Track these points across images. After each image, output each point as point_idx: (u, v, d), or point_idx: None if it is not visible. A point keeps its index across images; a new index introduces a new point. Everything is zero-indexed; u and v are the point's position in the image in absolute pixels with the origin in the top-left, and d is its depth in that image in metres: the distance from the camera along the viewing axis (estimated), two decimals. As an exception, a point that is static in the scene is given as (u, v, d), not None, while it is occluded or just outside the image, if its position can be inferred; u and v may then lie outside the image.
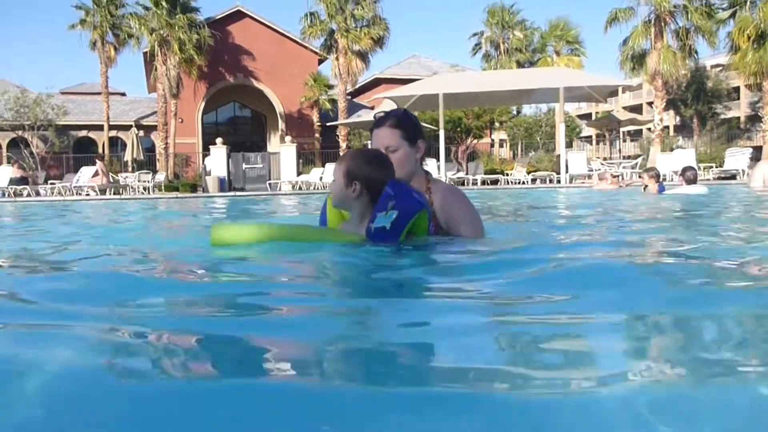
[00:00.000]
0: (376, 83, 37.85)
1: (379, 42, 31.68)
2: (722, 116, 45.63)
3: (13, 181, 20.21)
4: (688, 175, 9.31)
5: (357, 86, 37.28)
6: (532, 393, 1.03)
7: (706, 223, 4.84)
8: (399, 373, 1.17)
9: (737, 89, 49.44)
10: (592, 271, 2.14)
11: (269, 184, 24.32)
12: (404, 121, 2.76)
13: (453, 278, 2.18)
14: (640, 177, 9.69)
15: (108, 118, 33.20)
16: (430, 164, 19.52)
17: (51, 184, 21.76)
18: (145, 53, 31.24)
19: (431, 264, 2.45)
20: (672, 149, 26.93)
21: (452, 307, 1.70)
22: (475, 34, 37.49)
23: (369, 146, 2.86)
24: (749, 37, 24.60)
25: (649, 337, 1.41)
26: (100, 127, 34.41)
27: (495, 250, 2.67)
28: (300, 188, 22.48)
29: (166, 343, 1.36)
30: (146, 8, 29.89)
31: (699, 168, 18.72)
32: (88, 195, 19.76)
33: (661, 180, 10.22)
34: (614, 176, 15.70)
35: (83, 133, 36.26)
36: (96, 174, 20.67)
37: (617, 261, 2.46)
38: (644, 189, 9.84)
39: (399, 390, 1.04)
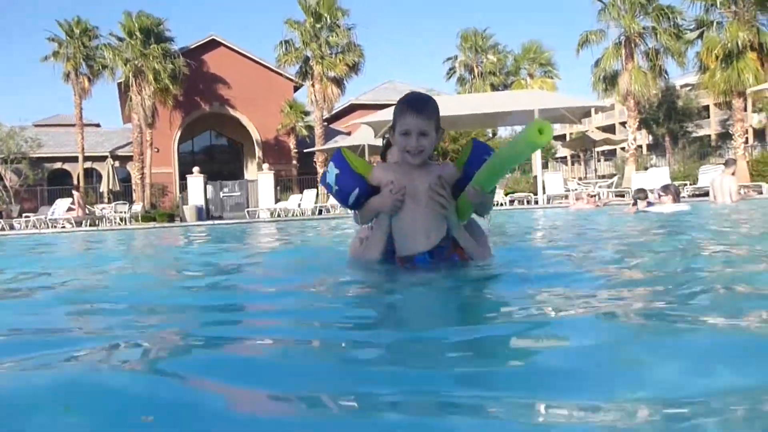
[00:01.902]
0: (352, 109, 37.95)
1: (354, 68, 31.85)
2: (693, 134, 46.45)
3: (-14, 215, 19.88)
4: (672, 191, 9.45)
5: (333, 112, 37.39)
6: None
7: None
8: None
9: (707, 108, 50.43)
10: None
11: (248, 211, 24.22)
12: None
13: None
14: (659, 195, 9.85)
15: (83, 149, 32.91)
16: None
17: (26, 217, 21.43)
18: (119, 84, 31.10)
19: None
20: (646, 168, 27.32)
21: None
22: (449, 59, 37.95)
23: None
24: (717, 57, 25.11)
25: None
26: (74, 159, 34.06)
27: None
28: (279, 215, 22.37)
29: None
30: (120, 39, 29.81)
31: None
32: (63, 227, 19.48)
33: (644, 197, 10.36)
34: (591, 196, 15.86)
35: (58, 165, 35.85)
36: (73, 204, 20.42)
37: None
38: (632, 206, 9.98)
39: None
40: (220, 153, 38.14)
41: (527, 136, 2.34)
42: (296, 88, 34.99)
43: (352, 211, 3.04)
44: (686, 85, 46.44)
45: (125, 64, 29.09)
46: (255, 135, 34.42)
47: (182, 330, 1.92)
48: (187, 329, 1.94)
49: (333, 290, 2.82)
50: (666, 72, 29.44)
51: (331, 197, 2.93)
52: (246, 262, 4.88)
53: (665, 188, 9.82)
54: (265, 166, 27.15)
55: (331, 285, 2.93)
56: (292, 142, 33.83)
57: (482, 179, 2.70)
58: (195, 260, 5.88)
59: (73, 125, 34.19)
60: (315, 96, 31.61)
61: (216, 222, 21.58)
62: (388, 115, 20.61)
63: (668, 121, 43.67)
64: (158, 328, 2.00)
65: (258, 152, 34.30)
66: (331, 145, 29.83)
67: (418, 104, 2.77)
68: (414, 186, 2.80)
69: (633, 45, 27.90)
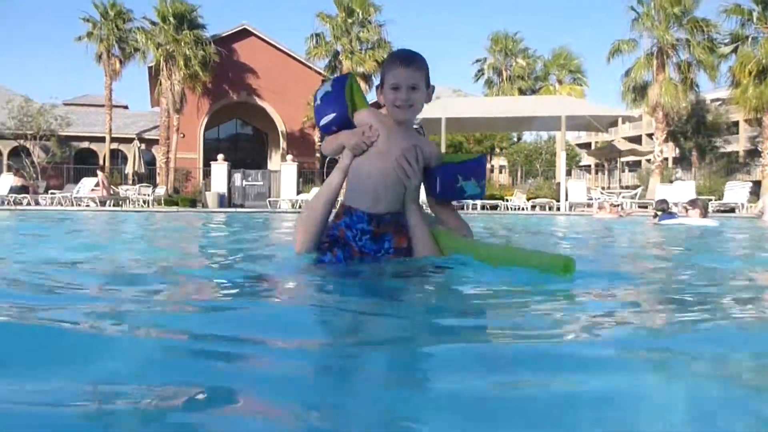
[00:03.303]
0: (378, 105, 37.86)
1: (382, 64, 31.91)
2: (721, 150, 45.89)
3: (14, 190, 20.23)
4: (700, 206, 9.38)
5: (360, 108, 37.51)
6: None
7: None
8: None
9: (737, 123, 49.75)
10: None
11: (269, 201, 24.36)
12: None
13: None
14: (685, 209, 9.81)
15: (110, 130, 33.27)
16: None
17: (51, 193, 21.76)
18: (150, 67, 31.42)
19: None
20: (671, 181, 27.09)
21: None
22: (477, 60, 37.81)
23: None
24: (750, 73, 24.84)
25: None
26: (101, 139, 34.48)
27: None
28: (299, 207, 22.49)
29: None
30: (153, 23, 30.13)
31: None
32: (87, 206, 19.76)
33: (668, 210, 10.30)
34: (614, 206, 15.78)
35: (84, 144, 36.29)
36: (97, 185, 20.69)
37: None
38: (654, 218, 9.92)
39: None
40: (244, 142, 38.41)
41: (548, 266, 2.32)
42: (324, 82, 35.08)
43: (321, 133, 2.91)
44: (717, 99, 45.87)
45: (157, 49, 29.40)
46: (280, 126, 34.59)
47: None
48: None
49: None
50: (697, 85, 29.15)
51: None
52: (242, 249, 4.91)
53: (693, 202, 9.73)
54: (289, 157, 27.28)
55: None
56: (316, 135, 33.95)
57: (460, 249, 2.65)
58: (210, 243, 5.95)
59: (102, 106, 34.59)
60: (342, 90, 31.64)
61: (237, 210, 21.76)
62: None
63: (696, 135, 43.19)
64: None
65: (282, 143, 34.47)
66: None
67: (407, 57, 2.70)
68: (388, 141, 2.69)
69: (665, 56, 27.65)
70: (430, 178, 2.78)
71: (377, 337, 1.64)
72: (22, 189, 20.68)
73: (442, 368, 1.31)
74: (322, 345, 1.57)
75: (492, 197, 24.73)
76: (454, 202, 2.99)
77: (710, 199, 20.52)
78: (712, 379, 1.25)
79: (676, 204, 13.24)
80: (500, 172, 57.32)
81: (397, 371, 1.32)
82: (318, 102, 2.86)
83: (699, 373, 1.29)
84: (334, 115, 2.78)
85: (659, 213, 10.19)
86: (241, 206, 24.62)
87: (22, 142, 32.76)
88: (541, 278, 2.33)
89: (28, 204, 19.73)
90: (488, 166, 41.03)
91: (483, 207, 22.09)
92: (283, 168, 26.09)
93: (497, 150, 37.08)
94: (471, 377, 1.22)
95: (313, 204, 2.83)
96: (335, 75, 32.47)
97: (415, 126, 3.10)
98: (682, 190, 19.49)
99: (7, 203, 19.56)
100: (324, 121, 2.80)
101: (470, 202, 22.22)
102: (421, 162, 2.70)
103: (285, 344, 1.52)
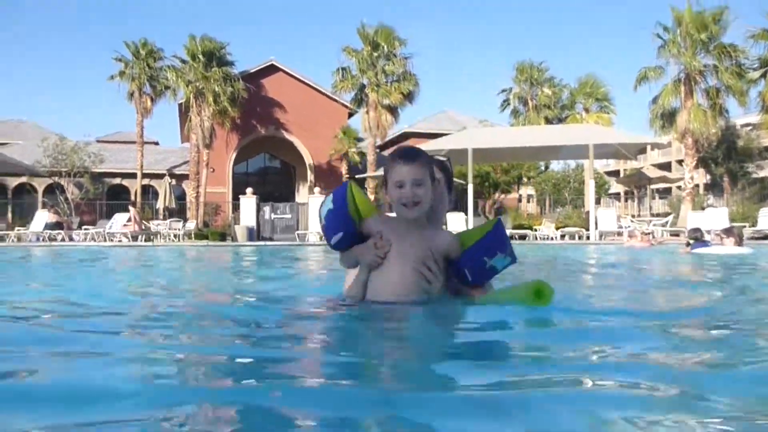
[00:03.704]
0: (405, 137, 38.26)
1: (408, 97, 32.16)
2: (754, 175, 45.09)
3: (49, 226, 20.63)
4: (735, 233, 9.21)
5: (386, 140, 37.78)
6: None
7: None
8: None
9: (769, 149, 48.92)
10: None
11: (297, 234, 24.49)
12: (429, 162, 2.74)
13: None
14: (719, 237, 9.67)
15: (141, 166, 33.95)
16: (458, 218, 19.53)
17: (85, 229, 22.15)
18: (180, 104, 32.09)
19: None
20: (703, 207, 26.65)
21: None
22: (503, 90, 37.89)
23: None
24: (781, 97, 24.52)
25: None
26: (133, 175, 35.17)
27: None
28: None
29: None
30: (183, 61, 30.84)
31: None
32: (120, 241, 20.06)
33: (701, 238, 10.12)
34: (645, 234, 15.56)
35: (117, 180, 37.08)
36: (129, 221, 21.02)
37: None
38: (687, 247, 9.76)
39: None
40: (273, 175, 38.86)
41: (525, 299, 2.29)
42: (350, 115, 35.48)
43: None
44: (747, 124, 45.24)
45: (187, 86, 30.04)
46: (308, 159, 34.95)
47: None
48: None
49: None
50: (726, 111, 28.83)
51: None
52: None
53: (728, 230, 9.57)
54: (317, 189, 27.50)
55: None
56: (343, 168, 34.20)
57: (488, 300, 2.66)
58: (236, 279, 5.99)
59: (134, 142, 35.34)
60: (369, 123, 31.97)
61: (266, 243, 21.91)
62: (441, 144, 20.72)
63: (727, 160, 42.52)
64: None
65: (310, 176, 34.78)
66: (382, 172, 29.97)
67: (410, 154, 2.68)
68: (402, 245, 2.66)
69: (693, 83, 27.44)
70: (457, 271, 2.71)
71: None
72: (57, 225, 21.09)
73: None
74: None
75: (521, 227, 24.57)
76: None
77: (744, 226, 20.13)
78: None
79: (708, 232, 13.00)
80: (528, 201, 56.98)
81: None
82: (323, 222, 2.83)
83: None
84: (341, 234, 2.76)
85: (691, 242, 10.01)
86: (270, 239, 24.79)
87: (56, 179, 33.56)
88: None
89: (63, 240, 20.09)
90: (515, 195, 40.85)
91: (512, 237, 21.89)
92: (311, 201, 26.26)
93: (525, 179, 36.89)
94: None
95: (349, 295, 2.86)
96: (362, 108, 32.82)
97: (441, 158, 3.08)
98: (715, 217, 19.16)
99: (42, 239, 19.96)
100: (334, 240, 2.78)
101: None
102: (439, 263, 2.66)
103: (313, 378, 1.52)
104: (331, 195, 2.85)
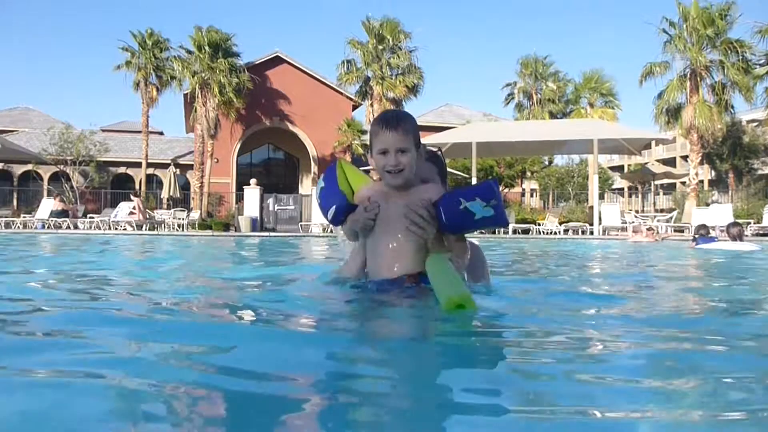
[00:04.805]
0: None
1: (413, 90, 32.17)
2: (759, 172, 44.97)
3: (54, 214, 20.72)
4: (734, 232, 9.23)
5: (390, 132, 37.77)
6: None
7: None
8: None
9: (774, 145, 48.75)
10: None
11: (301, 225, 24.55)
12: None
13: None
14: (723, 232, 9.75)
15: (146, 155, 34.00)
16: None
17: (90, 217, 22.24)
18: (185, 94, 32.09)
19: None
20: (707, 204, 26.62)
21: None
22: (508, 84, 37.86)
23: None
24: (787, 94, 24.44)
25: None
26: (138, 164, 35.24)
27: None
28: (330, 231, 22.60)
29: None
30: (189, 52, 30.83)
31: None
32: (125, 230, 20.14)
33: (708, 234, 10.16)
34: (649, 229, 15.58)
35: (122, 169, 37.16)
36: (133, 210, 21.10)
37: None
38: (693, 242, 9.79)
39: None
40: (276, 166, 38.87)
41: (448, 300, 2.23)
42: (355, 107, 35.45)
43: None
44: (753, 120, 45.07)
45: (193, 77, 30.04)
46: (312, 151, 34.94)
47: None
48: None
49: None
50: (732, 107, 28.72)
51: None
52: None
53: (727, 228, 9.62)
54: (320, 181, 27.57)
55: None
56: (347, 160, 34.18)
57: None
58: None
59: (139, 132, 35.40)
60: (373, 115, 31.98)
61: (270, 234, 21.98)
62: (445, 137, 20.72)
63: (732, 156, 42.41)
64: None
65: (314, 167, 34.79)
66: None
67: (393, 120, 2.65)
68: (388, 208, 2.66)
69: (699, 78, 27.36)
70: (437, 213, 2.60)
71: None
72: (62, 213, 21.19)
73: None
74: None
75: (524, 221, 24.57)
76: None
77: (748, 222, 20.12)
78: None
79: (713, 227, 13.03)
80: (531, 195, 56.92)
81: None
82: (319, 201, 2.88)
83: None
84: (335, 207, 2.79)
85: (697, 237, 10.05)
86: (273, 230, 24.85)
87: (62, 167, 33.64)
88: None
89: (68, 227, 20.19)
90: (519, 190, 40.81)
91: (515, 231, 21.96)
92: (315, 192, 26.34)
93: (528, 174, 36.87)
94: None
95: (344, 273, 2.91)
96: (366, 101, 32.78)
97: (433, 149, 3.11)
98: (719, 213, 19.16)
99: (48, 226, 20.06)
100: (330, 215, 2.81)
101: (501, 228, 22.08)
102: (430, 210, 2.58)
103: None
104: (322, 176, 2.91)
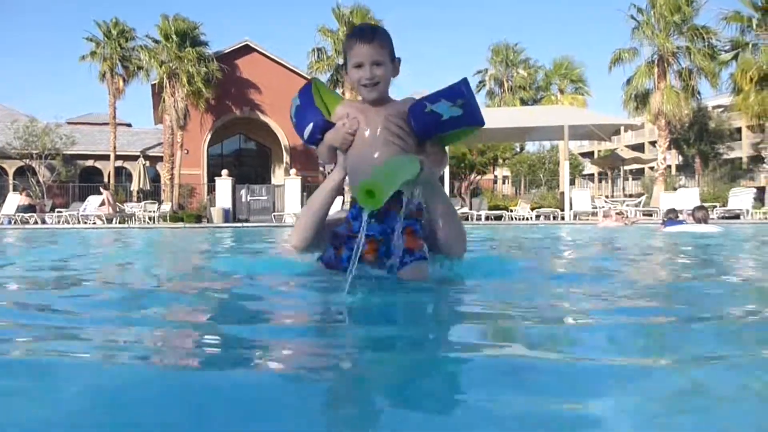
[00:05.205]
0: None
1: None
2: (724, 156, 45.89)
3: (21, 209, 20.33)
4: (699, 215, 9.44)
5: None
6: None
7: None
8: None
9: (739, 130, 49.77)
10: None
11: (274, 215, 24.44)
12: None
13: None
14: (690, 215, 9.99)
15: (114, 148, 33.48)
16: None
17: (58, 212, 21.85)
18: (153, 85, 31.62)
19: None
20: (675, 188, 27.09)
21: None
22: (479, 72, 38.03)
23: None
24: (752, 79, 24.88)
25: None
26: (106, 157, 34.68)
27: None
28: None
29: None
30: (156, 41, 30.36)
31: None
32: (94, 224, 19.84)
33: (677, 218, 10.38)
34: (618, 213, 15.81)
35: (89, 162, 36.54)
36: (102, 203, 20.79)
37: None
38: (662, 226, 9.99)
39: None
40: (248, 157, 38.54)
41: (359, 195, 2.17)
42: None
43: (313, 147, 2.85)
44: (719, 106, 45.93)
45: (160, 66, 29.61)
46: (283, 140, 34.69)
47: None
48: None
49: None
50: (699, 92, 29.22)
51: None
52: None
53: (692, 211, 9.86)
54: (293, 171, 27.40)
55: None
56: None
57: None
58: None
59: (106, 124, 34.83)
60: (345, 104, 31.83)
61: (243, 225, 21.83)
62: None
63: (699, 142, 43.20)
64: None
65: (286, 157, 34.57)
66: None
67: (368, 33, 2.61)
68: (368, 122, 2.63)
69: (666, 64, 27.74)
70: (408, 120, 2.61)
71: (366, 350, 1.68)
72: (29, 208, 20.79)
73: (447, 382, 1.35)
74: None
75: (496, 208, 24.76)
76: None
77: (714, 206, 20.52)
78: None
79: (681, 211, 13.27)
80: (503, 182, 57.34)
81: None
82: (294, 120, 2.82)
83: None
84: (312, 123, 2.74)
85: (666, 220, 10.24)
86: (246, 221, 24.70)
87: (27, 161, 33.00)
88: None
89: (35, 223, 19.82)
90: (491, 176, 41.05)
91: (487, 218, 22.13)
92: (287, 182, 26.18)
93: (500, 160, 37.10)
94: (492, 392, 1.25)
95: (311, 201, 2.85)
96: (338, 89, 32.62)
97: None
98: (686, 197, 19.51)
99: (14, 222, 19.67)
100: (306, 133, 2.76)
101: (474, 213, 22.25)
102: (408, 121, 2.60)
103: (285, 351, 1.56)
104: (296, 94, 2.85)
